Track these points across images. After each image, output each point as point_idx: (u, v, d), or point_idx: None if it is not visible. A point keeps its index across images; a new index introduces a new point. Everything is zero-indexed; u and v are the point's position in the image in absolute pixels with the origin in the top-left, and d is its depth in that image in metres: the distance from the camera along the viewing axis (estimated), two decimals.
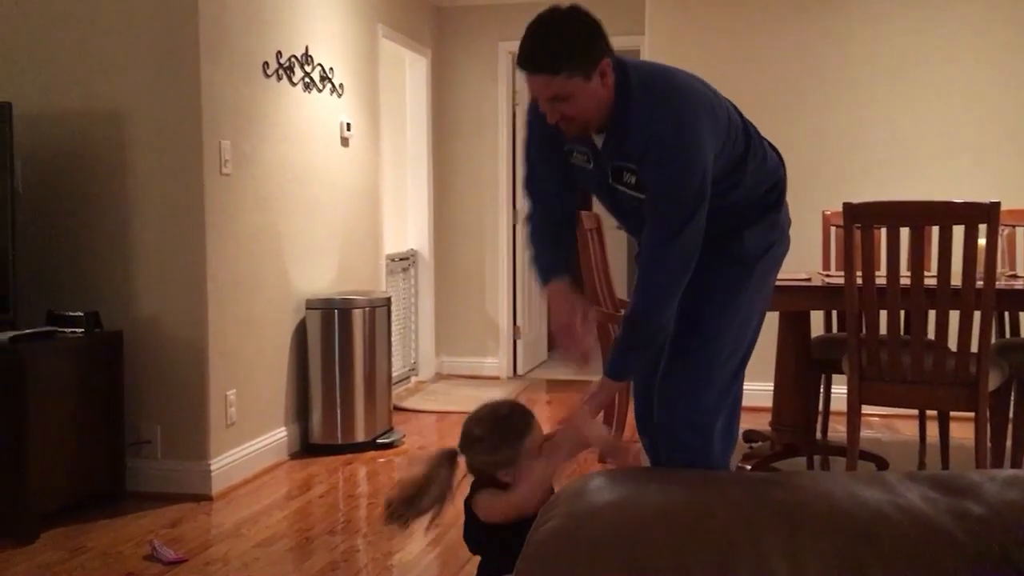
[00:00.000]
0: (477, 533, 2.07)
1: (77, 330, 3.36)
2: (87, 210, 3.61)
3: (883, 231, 3.08)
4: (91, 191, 3.60)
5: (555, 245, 2.28)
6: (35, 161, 3.57)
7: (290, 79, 4.18)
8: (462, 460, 2.04)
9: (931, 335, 3.11)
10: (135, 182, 3.57)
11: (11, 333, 3.16)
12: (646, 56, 5.45)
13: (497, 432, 2.01)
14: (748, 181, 2.19)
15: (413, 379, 5.96)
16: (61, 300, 3.53)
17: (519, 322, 6.32)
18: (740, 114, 2.21)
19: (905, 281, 3.02)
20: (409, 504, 2.00)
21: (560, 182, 2.28)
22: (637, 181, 2.07)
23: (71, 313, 3.39)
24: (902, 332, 3.17)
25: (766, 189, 2.26)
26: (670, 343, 2.22)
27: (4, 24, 3.63)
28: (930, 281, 3.02)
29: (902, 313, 3.16)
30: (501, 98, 6.11)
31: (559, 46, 1.95)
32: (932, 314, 3.07)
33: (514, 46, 6.06)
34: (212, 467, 3.59)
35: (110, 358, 3.46)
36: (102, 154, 3.59)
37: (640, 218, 2.11)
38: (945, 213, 2.97)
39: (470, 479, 2.07)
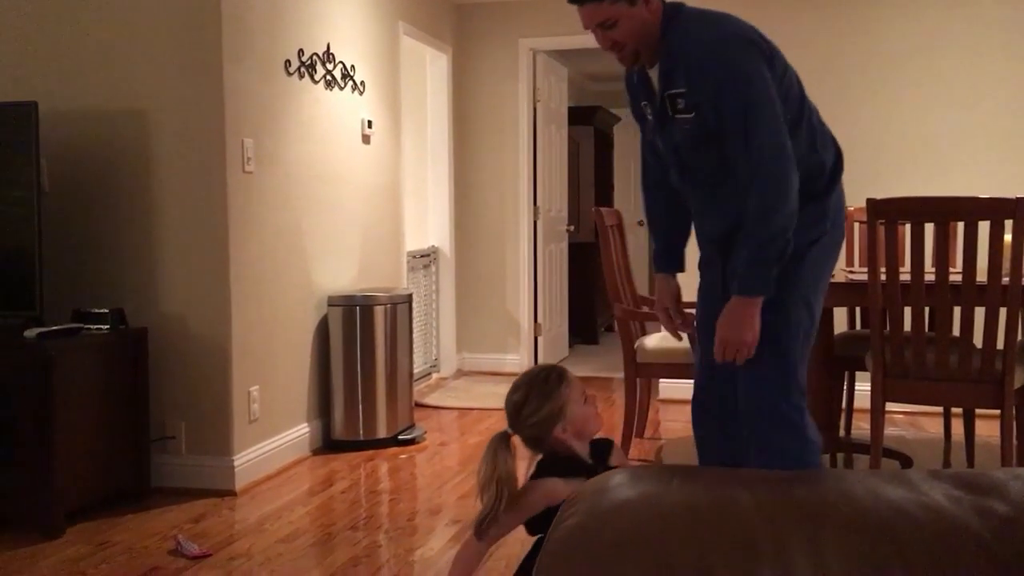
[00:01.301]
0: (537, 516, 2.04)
1: (102, 327, 3.40)
2: (112, 208, 3.64)
3: (907, 227, 3.06)
4: (115, 189, 3.64)
5: (664, 235, 2.51)
6: (60, 159, 3.60)
7: (312, 77, 4.20)
8: (516, 440, 2.04)
9: (956, 332, 3.09)
10: (159, 180, 3.60)
11: (37, 330, 3.19)
12: None
13: (535, 388, 2.05)
14: (797, 152, 2.15)
15: (434, 375, 5.97)
16: (86, 298, 3.57)
17: (540, 319, 6.32)
18: (802, 87, 2.25)
19: (930, 277, 3.00)
20: (488, 511, 2.00)
21: (663, 168, 2.41)
22: (686, 104, 2.14)
23: (96, 310, 3.43)
24: (927, 329, 3.15)
25: (819, 173, 2.24)
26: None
27: (29, 24, 3.67)
28: (955, 277, 2.99)
29: (926, 310, 3.13)
30: (522, 95, 6.11)
31: None
32: (957, 311, 3.04)
33: (535, 42, 6.08)
34: (235, 463, 3.62)
35: (135, 355, 3.49)
36: (126, 152, 3.62)
37: (699, 155, 2.18)
38: (971, 209, 2.94)
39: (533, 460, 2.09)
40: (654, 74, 2.22)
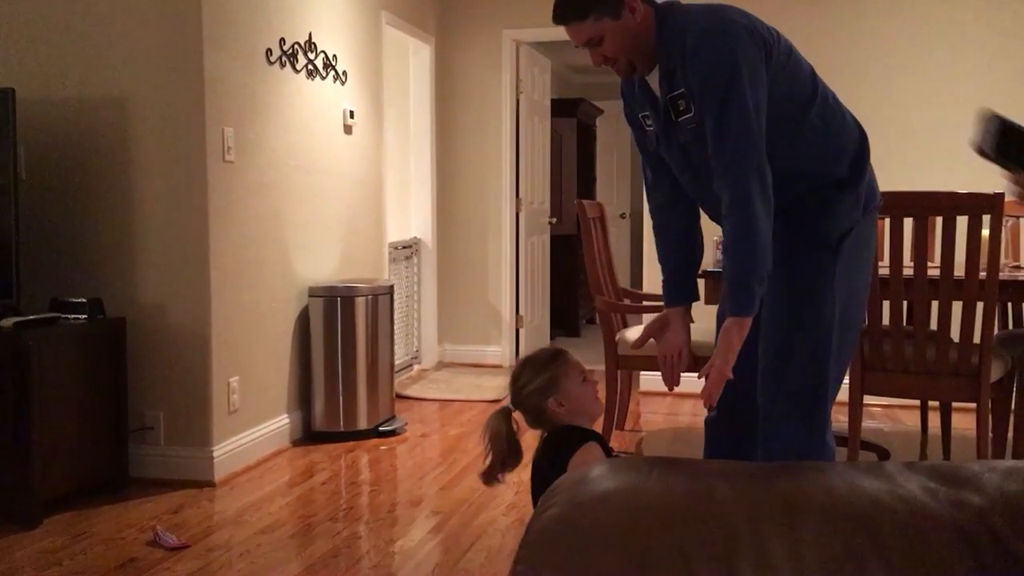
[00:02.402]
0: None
1: (80, 316, 3.37)
2: (90, 197, 3.61)
3: (886, 221, 3.08)
4: (94, 178, 3.60)
5: (672, 262, 2.36)
6: (38, 147, 3.57)
7: (293, 66, 4.17)
8: (518, 416, 2.15)
9: (934, 326, 3.11)
10: (138, 169, 3.57)
11: (14, 319, 3.16)
12: None
13: (532, 362, 2.18)
14: (812, 136, 2.10)
15: (416, 367, 5.96)
16: (64, 287, 3.53)
17: (521, 310, 6.32)
18: (811, 67, 2.18)
19: (908, 271, 3.02)
20: (492, 471, 2.13)
21: (673, 184, 2.32)
22: (687, 103, 2.08)
23: (74, 300, 3.40)
24: (904, 322, 3.17)
25: (840, 159, 2.15)
26: (769, 338, 2.15)
27: (7, 10, 3.62)
28: (933, 272, 3.02)
29: (904, 303, 3.15)
30: (505, 86, 6.10)
31: None
32: (935, 305, 3.07)
33: (518, 34, 6.07)
34: (215, 454, 3.60)
35: (113, 345, 3.47)
36: (105, 141, 3.59)
37: (704, 159, 2.10)
38: (949, 204, 2.96)
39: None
40: (653, 80, 2.17)
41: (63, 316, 3.35)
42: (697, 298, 2.36)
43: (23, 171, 3.44)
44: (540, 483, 2.12)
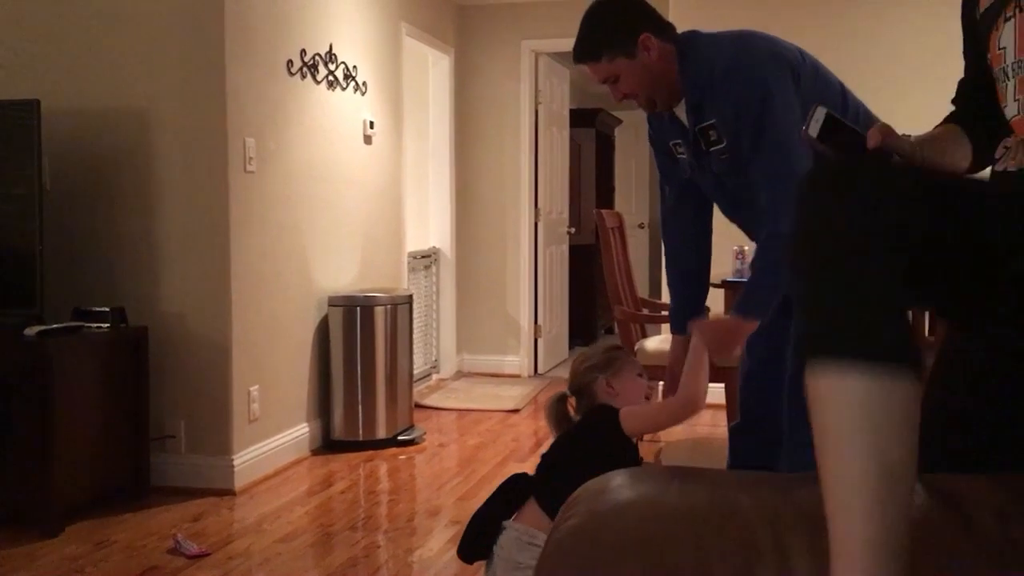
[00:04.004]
0: (548, 458, 2.16)
1: (103, 325, 3.39)
2: (113, 207, 3.64)
3: None
4: (117, 188, 3.64)
5: (681, 289, 2.43)
6: (62, 158, 3.60)
7: (314, 77, 4.20)
8: (572, 401, 2.22)
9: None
10: (161, 179, 3.61)
11: (38, 328, 3.19)
12: None
13: (595, 347, 2.29)
14: None
15: (434, 376, 5.97)
16: (87, 296, 3.56)
17: (540, 320, 6.32)
18: (840, 83, 2.19)
19: None
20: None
21: (693, 218, 2.36)
22: (717, 134, 2.10)
23: (97, 309, 3.43)
24: (927, 334, 3.15)
25: None
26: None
27: (33, 21, 3.67)
28: None
29: (927, 318, 3.13)
30: (524, 97, 6.11)
31: (593, 35, 2.11)
32: None
33: (537, 44, 6.08)
34: (235, 462, 3.62)
35: (135, 353, 3.49)
36: (128, 151, 3.62)
37: (739, 188, 2.12)
38: None
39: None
40: (681, 111, 2.17)
41: (86, 325, 3.37)
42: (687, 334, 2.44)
43: (47, 181, 3.48)
44: (561, 447, 2.15)
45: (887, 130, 1.18)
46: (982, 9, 1.29)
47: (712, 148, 2.12)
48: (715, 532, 0.88)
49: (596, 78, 2.15)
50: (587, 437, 2.11)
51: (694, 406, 2.08)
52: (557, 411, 2.19)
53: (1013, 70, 1.21)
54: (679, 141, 2.23)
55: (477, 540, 2.07)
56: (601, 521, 0.98)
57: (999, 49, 1.24)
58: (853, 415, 0.89)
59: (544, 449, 2.23)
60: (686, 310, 2.40)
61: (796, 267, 1.02)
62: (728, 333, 2.11)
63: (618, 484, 1.07)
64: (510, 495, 2.08)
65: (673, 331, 2.44)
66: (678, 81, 2.11)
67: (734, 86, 2.03)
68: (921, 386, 0.94)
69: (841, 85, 2.19)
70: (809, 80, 2.10)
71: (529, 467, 3.96)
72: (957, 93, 1.48)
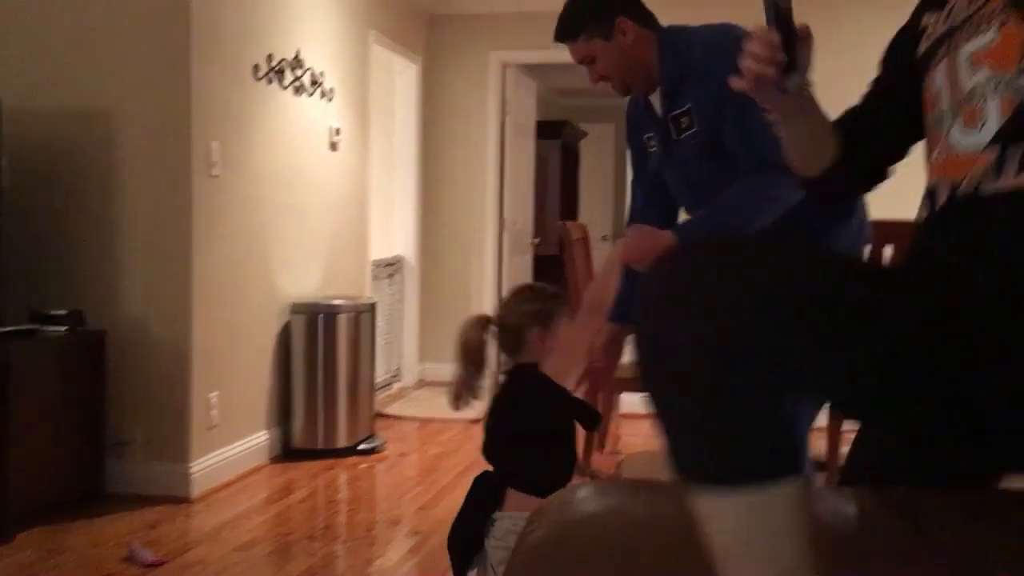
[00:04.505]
0: (497, 445, 2.08)
1: (60, 329, 3.34)
2: (74, 208, 3.59)
3: (866, 249, 3.08)
4: (78, 189, 3.59)
5: (634, 286, 2.36)
6: (22, 157, 3.54)
7: (280, 82, 4.18)
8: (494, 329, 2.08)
9: None
10: (123, 181, 3.56)
11: None
12: None
13: (531, 290, 2.19)
14: None
15: (396, 385, 5.95)
16: (45, 299, 3.50)
17: None
18: None
19: None
20: (460, 383, 2.06)
21: (661, 216, 2.35)
22: (690, 120, 2.11)
23: (55, 312, 3.37)
24: None
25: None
26: None
27: None
28: None
29: None
30: (491, 107, 6.13)
31: (573, 14, 2.19)
32: None
33: (505, 56, 6.10)
34: (192, 469, 3.57)
35: (93, 357, 3.44)
36: (90, 152, 3.57)
37: (706, 175, 2.13)
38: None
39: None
40: (656, 100, 2.22)
41: (43, 328, 3.32)
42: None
43: (6, 180, 3.41)
44: (492, 437, 2.09)
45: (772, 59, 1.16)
46: (921, 51, 1.24)
47: (683, 135, 2.15)
48: (684, 541, 0.89)
49: (574, 57, 2.22)
50: (526, 414, 2.05)
51: (598, 308, 2.02)
52: (474, 340, 2.03)
53: (952, 112, 1.14)
54: (651, 134, 2.27)
55: (467, 549, 2.04)
56: (567, 532, 0.99)
57: (934, 91, 1.18)
58: (739, 534, 0.87)
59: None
60: (632, 302, 2.40)
61: (646, 376, 0.89)
62: (655, 244, 2.06)
63: (583, 496, 1.08)
64: (484, 496, 2.06)
65: (611, 319, 2.38)
66: (654, 68, 2.16)
67: (717, 65, 2.03)
68: (808, 485, 0.90)
69: None
70: None
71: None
72: (842, 116, 1.42)
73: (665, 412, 0.89)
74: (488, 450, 2.09)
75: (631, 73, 2.19)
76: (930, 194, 1.18)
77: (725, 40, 2.10)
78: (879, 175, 1.42)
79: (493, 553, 1.98)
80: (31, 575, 2.78)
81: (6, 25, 3.60)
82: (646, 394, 0.90)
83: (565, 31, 2.20)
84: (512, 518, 1.98)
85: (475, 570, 2.06)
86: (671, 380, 0.87)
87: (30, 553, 2.96)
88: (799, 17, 1.16)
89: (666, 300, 0.88)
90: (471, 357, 2.04)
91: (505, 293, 2.19)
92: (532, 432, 2.05)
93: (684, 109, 2.13)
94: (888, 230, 3.02)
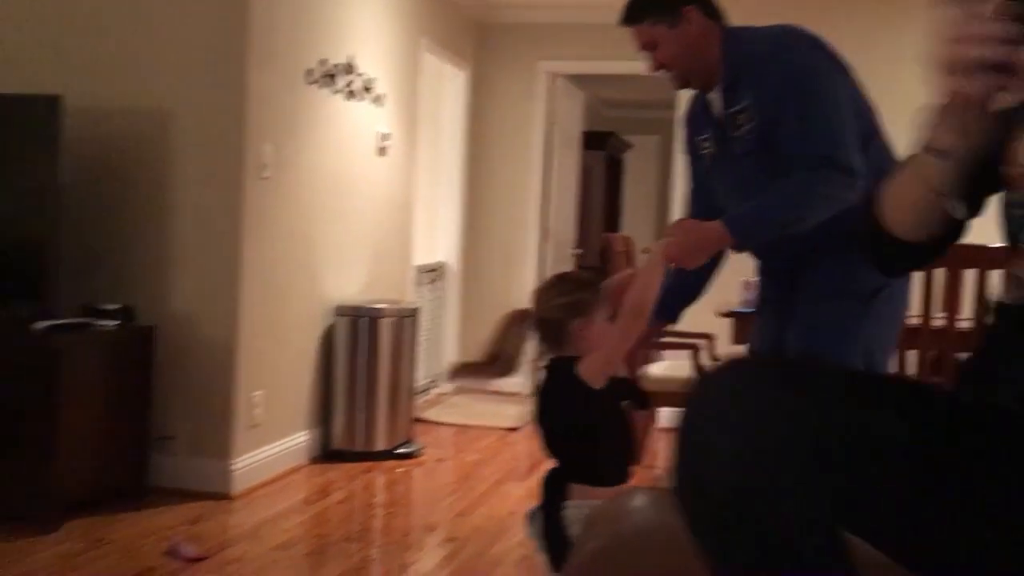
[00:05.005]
0: (550, 441, 2.08)
1: (111, 323, 3.40)
2: (128, 205, 3.66)
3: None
4: (133, 187, 3.65)
5: (682, 282, 2.34)
6: (80, 155, 3.61)
7: (332, 87, 4.22)
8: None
9: None
10: (177, 181, 3.62)
11: (47, 323, 3.19)
12: None
13: (567, 280, 2.13)
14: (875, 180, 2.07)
15: (434, 391, 5.96)
16: (98, 293, 3.56)
17: None
18: (874, 105, 2.18)
19: (938, 323, 3.01)
20: (476, 366, 2.07)
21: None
22: (748, 116, 2.08)
23: (106, 306, 3.43)
24: (931, 374, 3.15)
25: None
26: None
27: (57, 17, 3.69)
28: (962, 324, 3.00)
29: (930, 355, 3.13)
30: (537, 117, 6.14)
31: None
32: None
33: (554, 66, 6.11)
34: (234, 467, 3.61)
35: (141, 352, 3.49)
36: (146, 151, 3.64)
37: (757, 174, 2.10)
38: (981, 257, 2.95)
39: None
40: (715, 97, 2.20)
41: (94, 322, 3.38)
42: (673, 321, 2.39)
43: (65, 176, 3.48)
44: (549, 433, 2.07)
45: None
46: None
47: (739, 132, 2.12)
48: None
49: (635, 42, 2.20)
50: (566, 411, 2.04)
51: (641, 312, 1.93)
52: (512, 342, 2.03)
53: None
54: (706, 135, 2.24)
55: (560, 542, 2.03)
56: (625, 547, 0.98)
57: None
58: None
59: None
60: (677, 296, 2.37)
61: (684, 495, 0.91)
62: (702, 238, 2.05)
63: (639, 506, 1.08)
64: (553, 491, 2.05)
65: (657, 316, 2.31)
66: (715, 63, 2.14)
67: (781, 59, 2.03)
68: None
69: (874, 107, 2.19)
70: (854, 82, 2.10)
71: (526, 486, 3.96)
72: None
73: (706, 528, 0.91)
74: (546, 446, 2.09)
75: (691, 64, 2.17)
76: (1019, 282, 1.01)
77: (789, 38, 2.10)
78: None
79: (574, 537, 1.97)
80: (75, 565, 2.83)
81: (69, 24, 3.68)
82: (685, 512, 0.92)
83: (631, 14, 2.18)
84: (577, 506, 1.97)
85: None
86: (706, 483, 0.89)
87: (74, 544, 3.00)
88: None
89: (711, 406, 0.90)
90: (502, 358, 2.04)
91: (538, 284, 2.12)
92: (576, 427, 2.05)
93: (743, 106, 2.10)
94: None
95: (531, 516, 2.05)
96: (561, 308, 2.03)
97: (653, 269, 2.00)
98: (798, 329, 2.12)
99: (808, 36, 2.12)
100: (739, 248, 2.16)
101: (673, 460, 0.92)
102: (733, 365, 0.94)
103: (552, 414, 2.07)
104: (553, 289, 2.09)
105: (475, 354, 2.06)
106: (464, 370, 2.08)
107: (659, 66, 2.19)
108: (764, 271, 2.38)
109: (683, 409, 0.92)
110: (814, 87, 2.02)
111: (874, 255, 1.18)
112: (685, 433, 0.90)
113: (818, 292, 2.13)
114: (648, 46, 2.18)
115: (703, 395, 0.91)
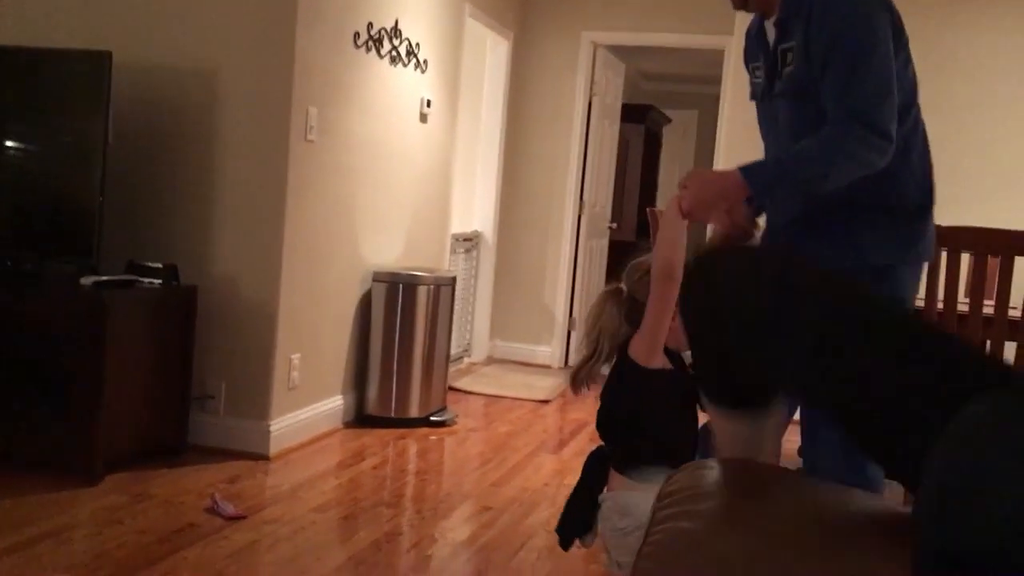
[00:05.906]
0: (604, 421, 2.08)
1: (155, 281, 3.42)
2: (173, 165, 3.66)
3: (943, 255, 2.97)
4: (180, 147, 3.65)
5: None
6: (128, 112, 3.62)
7: (378, 51, 4.19)
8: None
9: None
10: (222, 141, 3.62)
11: (94, 278, 3.22)
12: (732, 59, 5.38)
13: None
14: (899, 156, 1.99)
15: (466, 360, 5.97)
16: (142, 250, 3.59)
17: (575, 313, 6.30)
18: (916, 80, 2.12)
19: (963, 308, 2.97)
20: (585, 363, 2.05)
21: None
22: (794, 56, 2.02)
23: (151, 264, 3.45)
24: None
25: (905, 188, 2.07)
26: None
27: None
28: (988, 310, 2.96)
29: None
30: (579, 88, 6.08)
31: None
32: (987, 345, 3.01)
33: (597, 36, 6.05)
34: (271, 428, 3.64)
35: (184, 312, 3.52)
36: (193, 111, 3.63)
37: (794, 118, 2.05)
38: (1007, 243, 2.89)
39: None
40: (770, 27, 2.12)
41: (139, 279, 3.40)
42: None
43: (111, 134, 3.49)
44: (604, 414, 2.07)
45: None
46: None
47: (784, 69, 2.06)
48: (833, 559, 0.86)
49: None
50: (617, 394, 2.03)
51: (670, 274, 1.89)
52: (612, 320, 2.02)
53: None
54: (759, 63, 2.18)
55: (576, 520, 2.03)
56: (704, 527, 0.97)
57: None
58: (734, 439, 1.34)
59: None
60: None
61: (691, 325, 1.30)
62: (720, 189, 1.97)
63: (717, 481, 1.06)
64: (597, 470, 2.05)
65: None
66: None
67: (837, 9, 1.96)
68: (778, 412, 1.35)
69: (916, 83, 2.12)
70: (904, 45, 2.03)
71: (559, 459, 3.96)
72: None
73: (700, 350, 1.35)
74: (599, 425, 2.08)
75: None
76: None
77: None
78: None
79: (603, 532, 1.97)
80: (118, 518, 2.87)
81: None
82: (690, 330, 1.32)
83: None
84: (613, 498, 1.96)
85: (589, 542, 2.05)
86: (711, 327, 1.25)
87: (117, 497, 3.05)
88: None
89: (721, 274, 1.25)
90: (605, 336, 2.01)
91: (630, 260, 2.09)
92: (620, 411, 2.02)
93: (790, 45, 2.03)
94: (966, 237, 2.93)
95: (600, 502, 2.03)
96: (645, 284, 1.99)
97: (673, 226, 1.93)
98: None
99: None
100: (756, 201, 2.08)
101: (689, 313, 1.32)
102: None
103: (604, 394, 2.05)
104: (643, 266, 2.05)
105: (577, 343, 2.09)
106: (579, 373, 2.05)
107: None
108: (780, 215, 2.24)
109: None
110: (870, 41, 1.94)
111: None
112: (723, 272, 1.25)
113: (829, 253, 2.06)
114: None
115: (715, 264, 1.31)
